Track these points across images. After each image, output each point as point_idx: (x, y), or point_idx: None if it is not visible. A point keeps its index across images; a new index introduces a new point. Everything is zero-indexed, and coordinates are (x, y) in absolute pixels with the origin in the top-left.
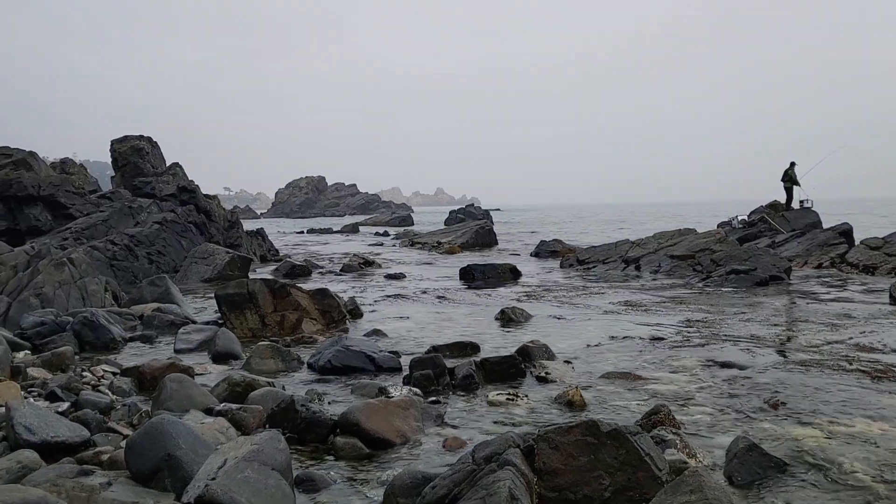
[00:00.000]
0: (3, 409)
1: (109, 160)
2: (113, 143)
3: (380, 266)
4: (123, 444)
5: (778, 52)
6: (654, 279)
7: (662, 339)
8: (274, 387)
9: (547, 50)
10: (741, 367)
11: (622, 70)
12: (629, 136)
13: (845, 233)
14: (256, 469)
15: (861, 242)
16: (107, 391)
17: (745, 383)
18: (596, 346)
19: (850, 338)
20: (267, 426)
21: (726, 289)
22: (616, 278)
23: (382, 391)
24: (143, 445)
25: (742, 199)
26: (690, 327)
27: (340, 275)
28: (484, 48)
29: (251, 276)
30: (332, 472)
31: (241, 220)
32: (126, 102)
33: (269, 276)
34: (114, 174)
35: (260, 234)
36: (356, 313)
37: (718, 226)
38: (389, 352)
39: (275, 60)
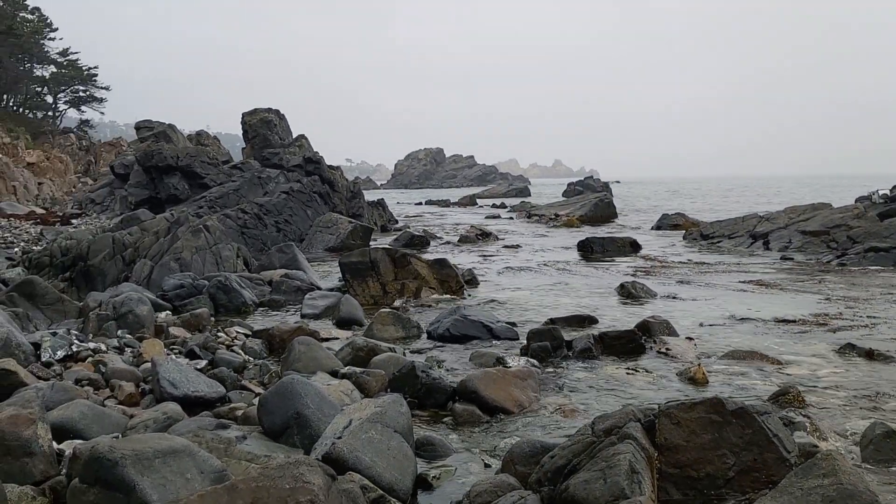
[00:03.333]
0: (150, 364)
1: (240, 132)
2: (244, 115)
3: (497, 238)
4: (256, 401)
5: None
6: (784, 256)
7: (794, 320)
8: (395, 352)
9: (661, 12)
10: (883, 354)
11: (744, 26)
12: (755, 99)
13: None
14: (380, 430)
15: None
16: (240, 351)
17: (885, 370)
18: (720, 324)
19: None
20: (388, 390)
21: (865, 268)
22: (743, 254)
23: (500, 361)
24: (275, 403)
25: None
26: (825, 308)
27: (458, 245)
28: (602, 13)
29: (372, 245)
30: (450, 437)
31: (363, 191)
32: (255, 76)
33: (390, 246)
34: (244, 145)
35: (380, 204)
36: (473, 283)
37: (857, 200)
38: (506, 322)
39: (393, 33)
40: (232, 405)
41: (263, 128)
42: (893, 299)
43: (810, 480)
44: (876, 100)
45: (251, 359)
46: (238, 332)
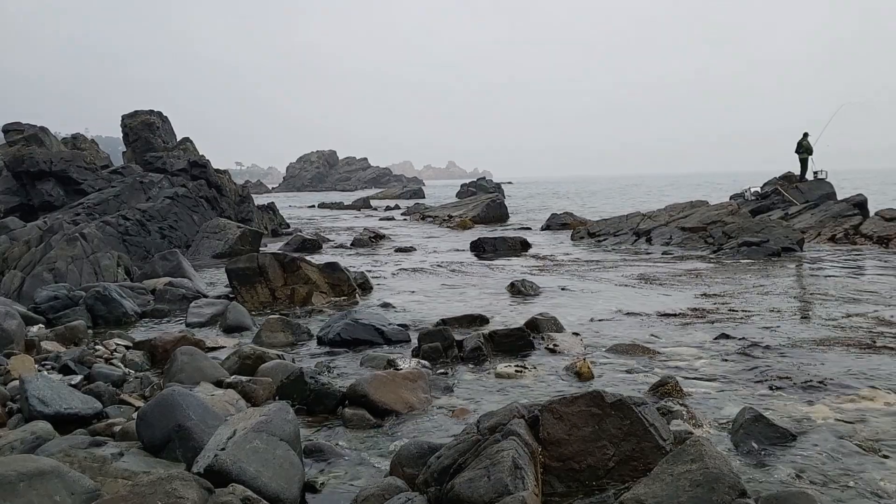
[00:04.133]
0: (18, 382)
1: (120, 135)
2: (123, 118)
3: (390, 240)
4: (135, 415)
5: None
6: (666, 251)
7: (674, 313)
8: (283, 359)
9: (566, 19)
10: (754, 342)
11: (647, 36)
12: (650, 101)
13: (860, 204)
14: (265, 440)
15: (876, 214)
16: (119, 364)
17: (757, 357)
18: (605, 319)
19: (874, 311)
20: (276, 398)
21: (738, 261)
22: (627, 251)
23: (391, 363)
24: (154, 416)
25: (759, 171)
26: (702, 301)
27: (351, 249)
28: (503, 19)
29: (262, 250)
30: (340, 443)
31: (253, 195)
32: (136, 79)
33: (280, 251)
34: (125, 149)
35: (271, 208)
36: (366, 287)
37: (731, 198)
38: (398, 325)
39: (287, 35)
40: (109, 421)
41: (145, 131)
42: (764, 290)
43: (680, 466)
44: (759, 105)
45: (132, 371)
46: (118, 344)
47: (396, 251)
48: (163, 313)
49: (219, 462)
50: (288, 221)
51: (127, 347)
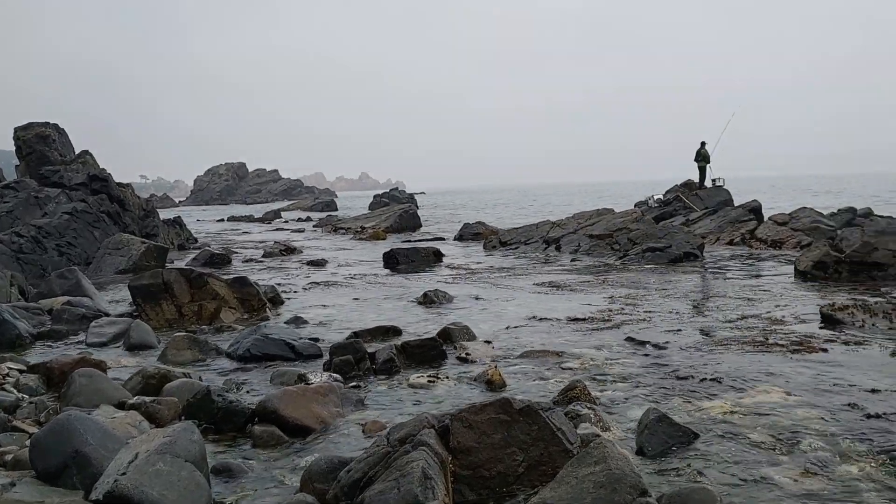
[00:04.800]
0: None
1: (13, 148)
2: (16, 130)
3: (302, 252)
4: (28, 442)
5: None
6: (574, 258)
7: (583, 317)
8: (190, 378)
9: (479, 31)
10: (658, 344)
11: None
12: (564, 113)
13: (754, 210)
14: (169, 461)
15: (769, 218)
16: (12, 389)
17: (661, 359)
18: (517, 326)
19: (767, 311)
20: (182, 418)
21: (643, 266)
22: (537, 259)
23: (302, 378)
24: (49, 443)
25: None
26: (609, 305)
27: (261, 262)
28: (411, 33)
29: (168, 266)
30: (249, 461)
31: (158, 209)
32: (30, 92)
33: (187, 266)
34: (18, 163)
35: (177, 222)
36: (277, 301)
37: (636, 205)
38: (310, 339)
39: (191, 48)
40: (0, 449)
41: (40, 143)
42: (667, 294)
43: (584, 469)
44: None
45: (26, 396)
46: (10, 368)
47: (308, 264)
48: (61, 334)
49: (119, 487)
50: (196, 236)
51: (21, 371)
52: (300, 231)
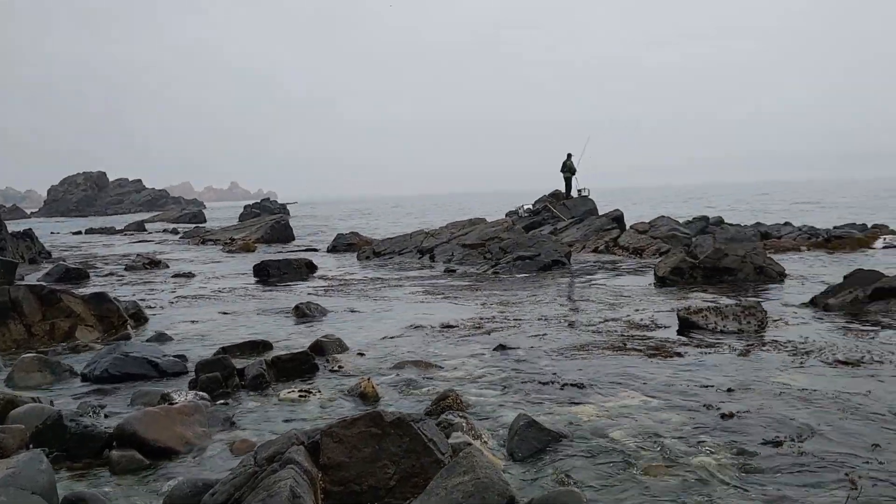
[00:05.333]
0: None
1: None
2: None
3: (167, 266)
4: None
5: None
6: (448, 268)
7: (456, 326)
8: (40, 402)
9: (366, 41)
10: (528, 349)
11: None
12: (440, 127)
13: (617, 219)
14: (13, 495)
15: (631, 227)
16: None
17: (531, 364)
18: (391, 337)
19: (627, 315)
20: (31, 446)
21: (514, 275)
22: (412, 268)
23: (165, 398)
24: None
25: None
26: (482, 313)
27: (123, 277)
28: (292, 37)
29: (17, 282)
30: (106, 489)
31: (7, 221)
32: None
33: (39, 282)
34: None
35: (28, 235)
36: (140, 317)
37: (507, 215)
38: (175, 356)
39: (48, 47)
40: None
41: None
42: (536, 301)
43: (453, 479)
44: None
45: None
46: None
47: (174, 277)
48: None
49: None
50: (50, 249)
51: None
52: (166, 243)
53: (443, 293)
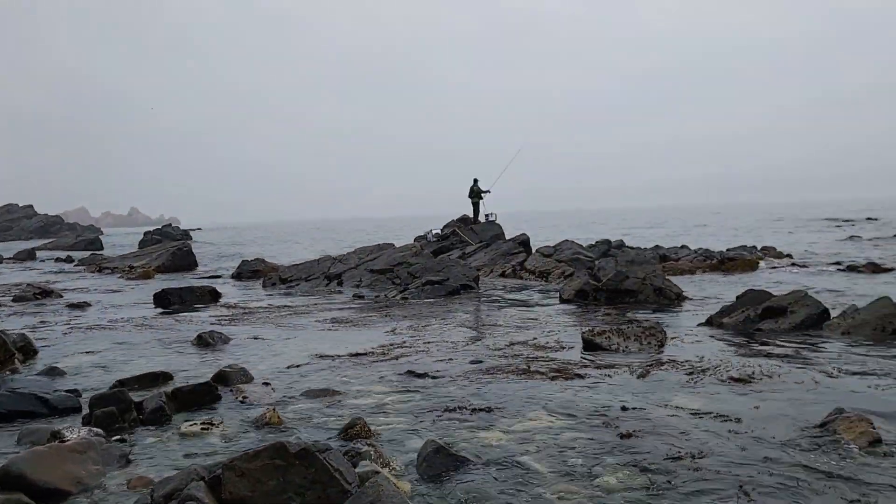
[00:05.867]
0: None
1: None
2: None
3: (61, 295)
4: None
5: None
6: (357, 294)
7: (364, 352)
8: None
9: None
10: (436, 375)
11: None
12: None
13: (524, 242)
14: None
15: (537, 251)
16: None
17: (439, 389)
18: (298, 365)
19: (534, 338)
20: None
21: (422, 300)
22: (320, 295)
23: (56, 435)
24: None
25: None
26: (390, 339)
27: (11, 307)
28: (191, 62)
29: None
30: None
31: None
32: None
33: None
34: None
35: None
36: (29, 350)
37: (415, 240)
38: (67, 391)
39: None
40: None
41: None
42: (445, 325)
43: None
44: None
45: None
46: None
47: (68, 308)
48: None
49: None
50: None
51: None
52: (59, 272)
53: (351, 319)
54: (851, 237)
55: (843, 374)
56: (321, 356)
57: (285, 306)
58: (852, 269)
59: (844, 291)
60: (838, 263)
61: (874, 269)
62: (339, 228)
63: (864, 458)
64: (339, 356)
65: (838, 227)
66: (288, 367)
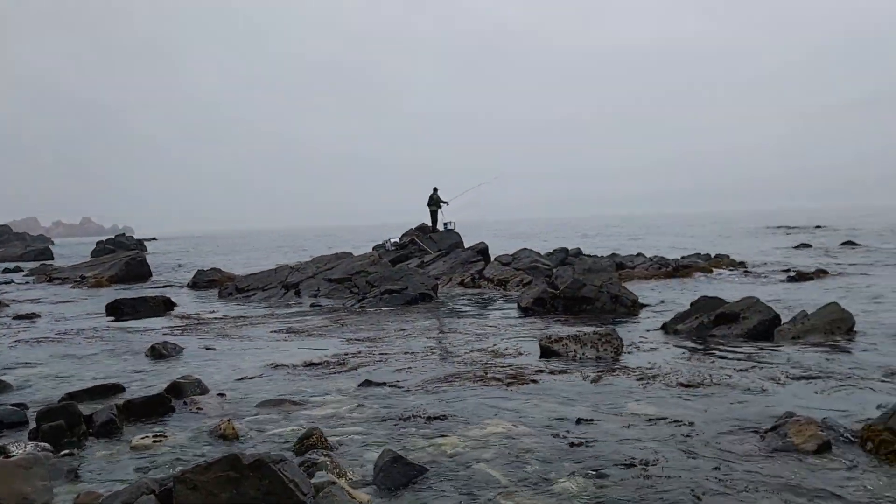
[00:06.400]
0: None
1: None
2: None
3: (8, 306)
4: None
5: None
6: (314, 303)
7: (320, 362)
8: None
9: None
10: (394, 384)
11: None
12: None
13: (482, 251)
14: None
15: (495, 259)
16: None
17: (396, 399)
18: (253, 376)
19: (492, 345)
20: None
21: (381, 309)
22: (277, 304)
23: (0, 451)
24: None
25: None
26: (347, 349)
27: None
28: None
29: None
30: None
31: None
32: None
33: None
34: None
35: None
36: None
37: (374, 248)
38: (13, 405)
39: None
40: None
41: None
42: (403, 334)
43: None
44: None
45: None
46: None
47: (16, 319)
48: None
49: None
50: None
51: None
52: (7, 283)
53: (307, 329)
54: (801, 245)
55: (793, 378)
56: (277, 366)
57: (241, 316)
58: (802, 276)
59: (794, 298)
60: (788, 270)
61: (823, 275)
62: (302, 237)
63: (813, 461)
64: (295, 366)
65: (787, 234)
66: (243, 378)
